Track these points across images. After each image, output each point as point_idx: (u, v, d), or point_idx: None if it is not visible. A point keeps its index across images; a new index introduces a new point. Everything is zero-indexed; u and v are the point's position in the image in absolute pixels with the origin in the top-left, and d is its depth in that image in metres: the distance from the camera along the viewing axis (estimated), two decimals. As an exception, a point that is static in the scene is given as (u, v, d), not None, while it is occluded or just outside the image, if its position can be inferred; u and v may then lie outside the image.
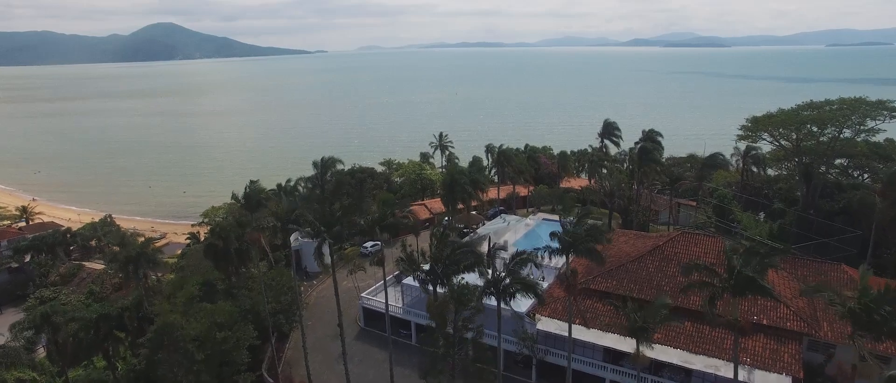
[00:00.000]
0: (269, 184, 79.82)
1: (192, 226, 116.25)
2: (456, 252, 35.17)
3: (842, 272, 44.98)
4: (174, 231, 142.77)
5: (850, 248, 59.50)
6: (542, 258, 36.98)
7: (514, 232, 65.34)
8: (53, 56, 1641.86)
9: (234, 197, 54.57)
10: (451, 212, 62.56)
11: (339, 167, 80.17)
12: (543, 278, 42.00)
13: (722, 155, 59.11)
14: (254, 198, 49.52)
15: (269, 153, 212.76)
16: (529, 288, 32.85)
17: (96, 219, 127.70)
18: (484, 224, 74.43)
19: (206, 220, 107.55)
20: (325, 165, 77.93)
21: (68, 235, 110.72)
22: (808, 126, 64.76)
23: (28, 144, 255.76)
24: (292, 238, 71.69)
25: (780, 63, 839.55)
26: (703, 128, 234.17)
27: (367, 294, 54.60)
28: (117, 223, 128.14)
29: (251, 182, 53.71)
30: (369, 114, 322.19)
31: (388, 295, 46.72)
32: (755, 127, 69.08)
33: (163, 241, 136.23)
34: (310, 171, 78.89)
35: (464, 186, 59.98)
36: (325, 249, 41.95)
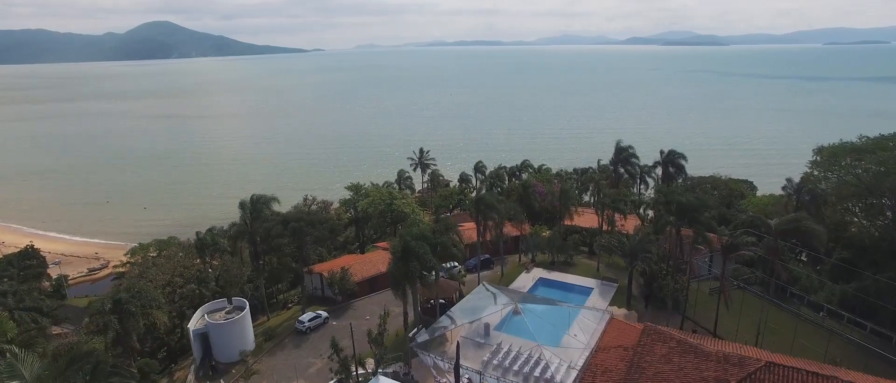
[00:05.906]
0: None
1: (115, 268, 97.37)
2: None
3: None
4: (121, 257, 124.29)
5: None
6: None
7: (498, 312, 46.78)
8: (49, 54, 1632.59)
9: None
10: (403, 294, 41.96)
11: (275, 207, 61.47)
12: None
13: (809, 220, 40.49)
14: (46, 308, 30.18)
15: (250, 164, 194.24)
16: None
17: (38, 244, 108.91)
18: (461, 290, 55.80)
19: (131, 261, 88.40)
20: (255, 206, 59.21)
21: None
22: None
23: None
24: (196, 316, 53.33)
25: (781, 62, 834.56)
26: (720, 134, 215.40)
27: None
28: (48, 251, 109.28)
29: (55, 278, 34.58)
30: (364, 118, 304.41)
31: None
32: (831, 162, 50.64)
33: (104, 272, 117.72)
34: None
35: (423, 259, 40.01)
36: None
